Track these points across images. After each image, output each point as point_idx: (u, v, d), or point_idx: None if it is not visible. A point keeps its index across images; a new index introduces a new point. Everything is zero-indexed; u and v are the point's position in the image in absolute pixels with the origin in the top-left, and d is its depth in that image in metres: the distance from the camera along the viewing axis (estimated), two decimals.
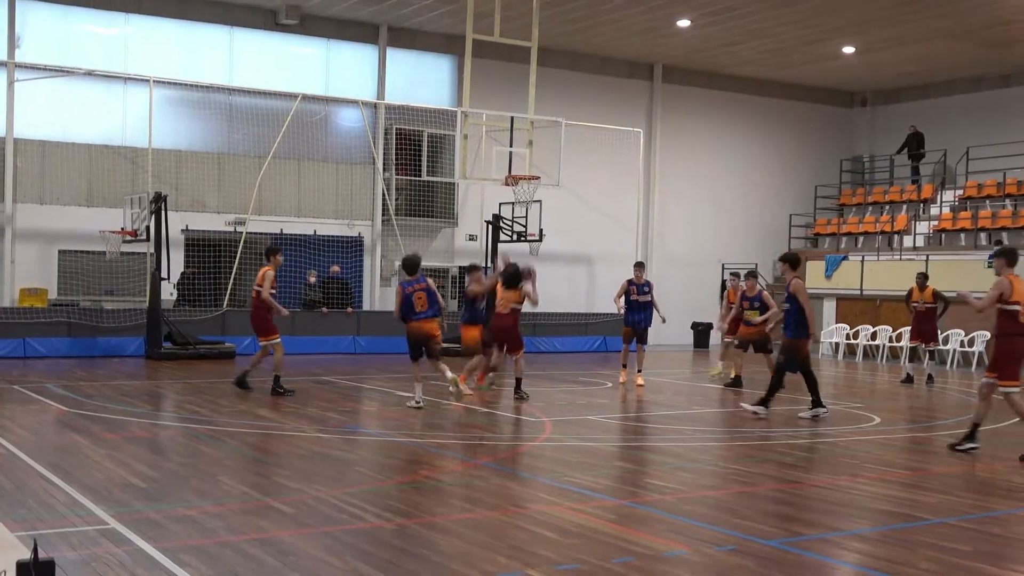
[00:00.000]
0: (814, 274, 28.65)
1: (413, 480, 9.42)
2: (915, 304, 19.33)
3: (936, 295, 19.17)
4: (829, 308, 28.23)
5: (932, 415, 15.58)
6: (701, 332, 29.33)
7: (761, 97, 31.83)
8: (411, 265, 13.85)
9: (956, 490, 9.42)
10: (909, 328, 19.97)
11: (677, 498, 8.81)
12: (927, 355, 19.64)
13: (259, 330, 15.10)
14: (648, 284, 18.02)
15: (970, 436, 11.37)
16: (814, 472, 10.23)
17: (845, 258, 28.35)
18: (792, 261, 14.28)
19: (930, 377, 19.29)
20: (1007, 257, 11.12)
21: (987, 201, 27.98)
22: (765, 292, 17.71)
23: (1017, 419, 11.54)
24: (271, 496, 8.36)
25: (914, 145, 30.55)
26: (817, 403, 13.78)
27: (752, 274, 18.32)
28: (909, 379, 19.49)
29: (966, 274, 24.40)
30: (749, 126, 31.83)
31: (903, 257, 27.14)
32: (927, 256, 26.19)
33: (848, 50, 27.69)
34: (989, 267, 24.11)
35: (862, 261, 27.52)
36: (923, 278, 19.48)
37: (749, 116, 31.76)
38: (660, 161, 30.18)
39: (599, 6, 24.16)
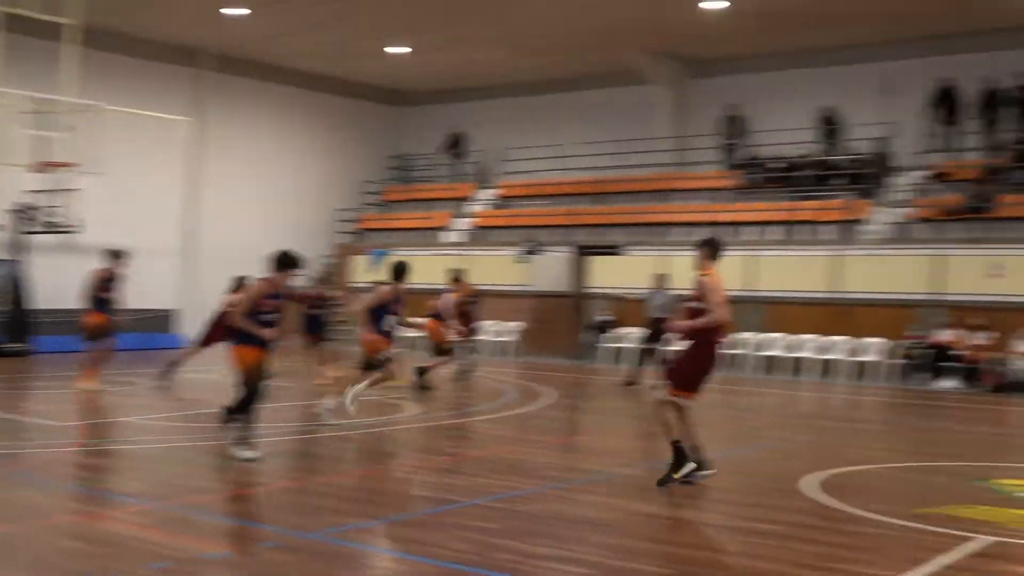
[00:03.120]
0: (359, 268, 29.23)
1: None
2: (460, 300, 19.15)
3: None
4: None
5: (468, 403, 16.34)
6: None
7: (312, 92, 31.89)
8: None
9: (486, 472, 9.93)
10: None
11: (219, 498, 8.59)
12: (468, 348, 19.95)
13: None
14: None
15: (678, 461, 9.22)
16: (355, 463, 10.38)
17: (388, 252, 29.14)
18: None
19: (464, 372, 19.46)
20: (709, 248, 9.29)
21: (521, 200, 29.91)
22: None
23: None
24: None
25: (455, 145, 32.05)
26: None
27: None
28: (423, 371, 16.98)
29: (501, 268, 26.00)
30: (300, 120, 31.79)
31: (443, 252, 28.36)
32: (465, 251, 27.61)
33: (398, 50, 28.41)
34: (521, 262, 25.87)
35: (406, 255, 28.39)
36: (457, 274, 19.52)
37: (300, 110, 31.71)
38: (208, 152, 29.32)
39: None
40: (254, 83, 30.38)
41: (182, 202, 27.29)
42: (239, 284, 14.23)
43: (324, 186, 32.28)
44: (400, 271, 12.94)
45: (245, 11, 24.78)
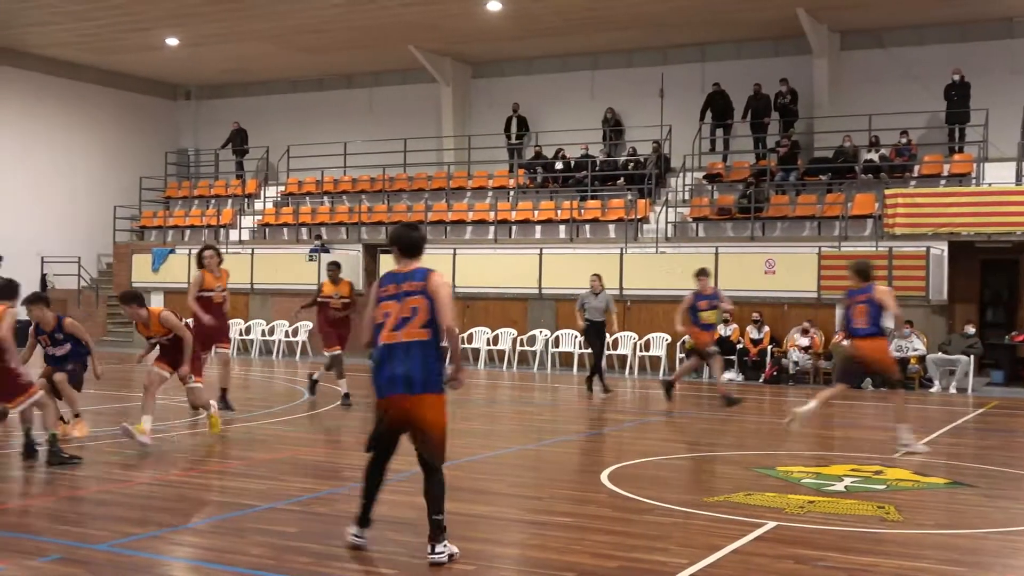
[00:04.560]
0: (141, 268, 28.13)
1: None
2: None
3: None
4: (158, 301, 27.82)
5: (255, 405, 15.98)
6: (20, 330, 27.30)
7: (82, 83, 30.49)
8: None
9: (283, 475, 9.72)
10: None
11: None
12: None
13: None
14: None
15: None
16: (144, 469, 9.96)
17: (172, 251, 28.19)
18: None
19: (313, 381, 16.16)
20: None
21: (307, 197, 29.48)
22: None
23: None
24: None
25: (238, 141, 31.29)
26: None
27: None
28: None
29: (289, 267, 25.53)
30: (71, 112, 30.33)
31: (229, 251, 27.63)
32: (252, 249, 26.99)
33: (171, 41, 27.50)
34: (311, 260, 25.48)
35: (189, 254, 27.54)
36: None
37: (70, 102, 30.26)
38: None
39: None
40: (15, 71, 28.75)
41: None
42: None
43: (100, 182, 30.90)
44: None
45: None
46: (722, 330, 20.05)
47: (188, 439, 11.98)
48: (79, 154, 30.61)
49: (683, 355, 20.46)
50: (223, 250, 27.21)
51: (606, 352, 18.28)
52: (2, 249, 27.98)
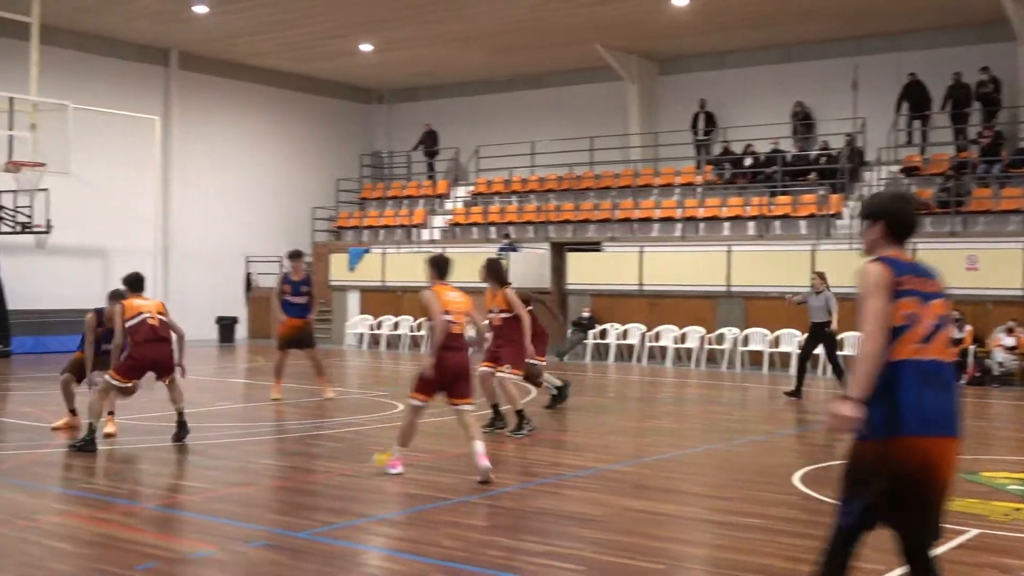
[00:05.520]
0: (338, 266, 29.13)
1: None
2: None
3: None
4: (353, 300, 28.84)
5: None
6: (226, 327, 28.80)
7: (283, 90, 31.80)
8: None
9: (473, 470, 9.91)
10: None
11: (204, 497, 8.54)
12: None
13: None
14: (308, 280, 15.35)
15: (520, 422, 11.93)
16: (341, 461, 10.34)
17: (367, 251, 29.09)
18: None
19: None
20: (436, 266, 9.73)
21: (496, 197, 29.92)
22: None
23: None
24: None
25: (429, 142, 32.01)
26: None
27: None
28: None
29: (479, 265, 25.92)
30: (272, 118, 31.69)
31: (421, 250, 28.33)
32: (443, 248, 27.57)
33: (366, 48, 28.39)
34: (500, 258, 25.83)
35: (383, 253, 28.38)
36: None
37: (272, 108, 31.61)
38: (179, 151, 29.17)
39: None
40: (224, 81, 30.29)
41: (155, 201, 27.10)
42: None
43: (299, 184, 32.19)
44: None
45: (212, 10, 24.67)
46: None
47: (382, 432, 12.36)
48: (280, 158, 31.95)
49: None
50: (415, 250, 28.07)
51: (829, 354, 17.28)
52: (212, 250, 29.55)
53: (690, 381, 20.12)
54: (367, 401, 15.01)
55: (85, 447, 10.41)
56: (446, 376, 9.29)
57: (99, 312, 11.58)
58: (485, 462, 9.10)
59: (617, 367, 22.75)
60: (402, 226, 30.40)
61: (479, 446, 9.17)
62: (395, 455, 9.50)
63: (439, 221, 30.27)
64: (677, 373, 21.47)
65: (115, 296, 11.29)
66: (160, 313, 11.05)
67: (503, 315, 12.31)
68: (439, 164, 32.20)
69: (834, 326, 16.75)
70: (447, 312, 9.35)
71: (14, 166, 21.09)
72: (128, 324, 10.81)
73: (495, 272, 12.50)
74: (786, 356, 21.50)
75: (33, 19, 21.30)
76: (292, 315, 14.92)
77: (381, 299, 28.07)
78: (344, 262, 29.01)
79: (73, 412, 11.85)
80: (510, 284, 12.50)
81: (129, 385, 10.94)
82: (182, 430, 11.06)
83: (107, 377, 10.85)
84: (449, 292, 9.53)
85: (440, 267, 9.71)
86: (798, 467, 10.14)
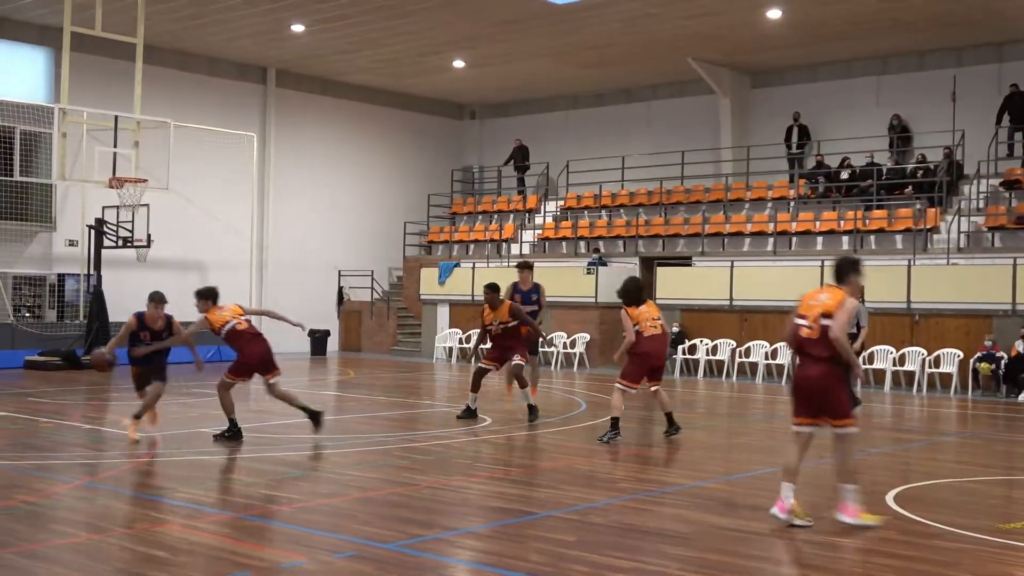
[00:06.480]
0: (428, 281, 29.36)
1: (8, 506, 8.63)
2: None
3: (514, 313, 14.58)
4: (443, 313, 29.04)
5: (542, 414, 16.30)
6: (319, 340, 29.22)
7: (376, 106, 32.25)
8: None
9: (561, 484, 9.91)
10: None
11: (294, 508, 8.67)
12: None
13: None
14: (537, 288, 15.61)
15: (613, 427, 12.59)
16: (429, 474, 10.41)
17: (457, 265, 29.28)
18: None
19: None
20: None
21: (585, 211, 29.89)
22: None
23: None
24: None
25: (519, 157, 32.14)
26: None
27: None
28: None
29: (568, 280, 25.95)
30: (364, 134, 32.15)
31: (511, 264, 28.41)
32: (533, 263, 27.58)
33: (458, 64, 28.65)
34: (588, 274, 25.83)
35: (473, 268, 28.53)
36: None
37: (364, 124, 32.07)
38: (274, 166, 29.78)
39: (208, 5, 23.43)
40: (318, 98, 30.84)
41: (251, 216, 27.64)
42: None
43: (390, 199, 32.58)
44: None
45: (309, 28, 25.14)
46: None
47: (472, 446, 12.41)
48: (372, 173, 32.38)
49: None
50: (504, 264, 28.16)
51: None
52: (305, 263, 30.06)
53: (781, 398, 19.81)
54: (455, 415, 15.06)
55: (233, 437, 11.92)
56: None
57: (140, 316, 12.12)
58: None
59: (706, 383, 22.53)
60: (492, 240, 30.54)
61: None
62: None
63: (529, 236, 30.35)
64: (767, 390, 21.18)
65: (154, 299, 12.08)
66: (241, 315, 12.06)
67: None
68: (529, 179, 32.30)
69: (861, 340, 16.08)
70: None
71: (117, 182, 21.71)
72: (222, 332, 11.94)
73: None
74: (880, 373, 21.07)
75: (138, 39, 21.95)
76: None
77: (470, 313, 28.19)
78: (434, 276, 29.24)
79: (138, 417, 12.26)
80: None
81: (239, 382, 12.21)
82: (316, 419, 12.36)
83: (224, 377, 12.02)
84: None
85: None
86: (892, 486, 9.93)
